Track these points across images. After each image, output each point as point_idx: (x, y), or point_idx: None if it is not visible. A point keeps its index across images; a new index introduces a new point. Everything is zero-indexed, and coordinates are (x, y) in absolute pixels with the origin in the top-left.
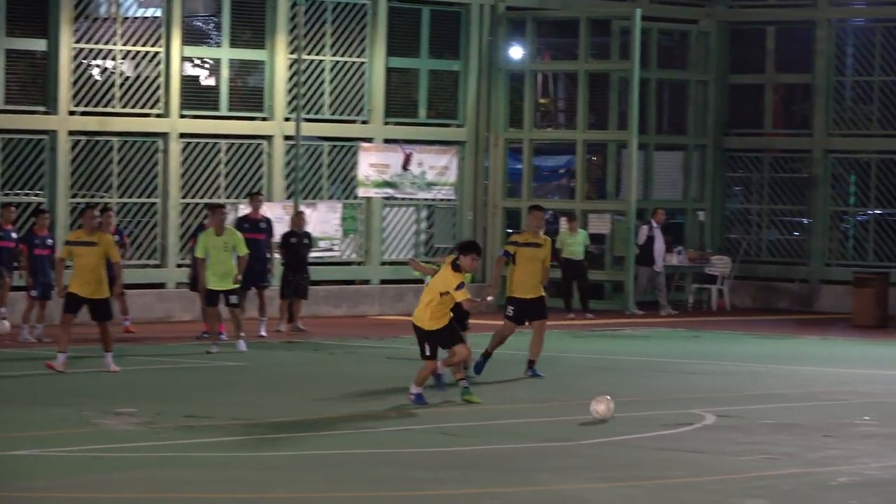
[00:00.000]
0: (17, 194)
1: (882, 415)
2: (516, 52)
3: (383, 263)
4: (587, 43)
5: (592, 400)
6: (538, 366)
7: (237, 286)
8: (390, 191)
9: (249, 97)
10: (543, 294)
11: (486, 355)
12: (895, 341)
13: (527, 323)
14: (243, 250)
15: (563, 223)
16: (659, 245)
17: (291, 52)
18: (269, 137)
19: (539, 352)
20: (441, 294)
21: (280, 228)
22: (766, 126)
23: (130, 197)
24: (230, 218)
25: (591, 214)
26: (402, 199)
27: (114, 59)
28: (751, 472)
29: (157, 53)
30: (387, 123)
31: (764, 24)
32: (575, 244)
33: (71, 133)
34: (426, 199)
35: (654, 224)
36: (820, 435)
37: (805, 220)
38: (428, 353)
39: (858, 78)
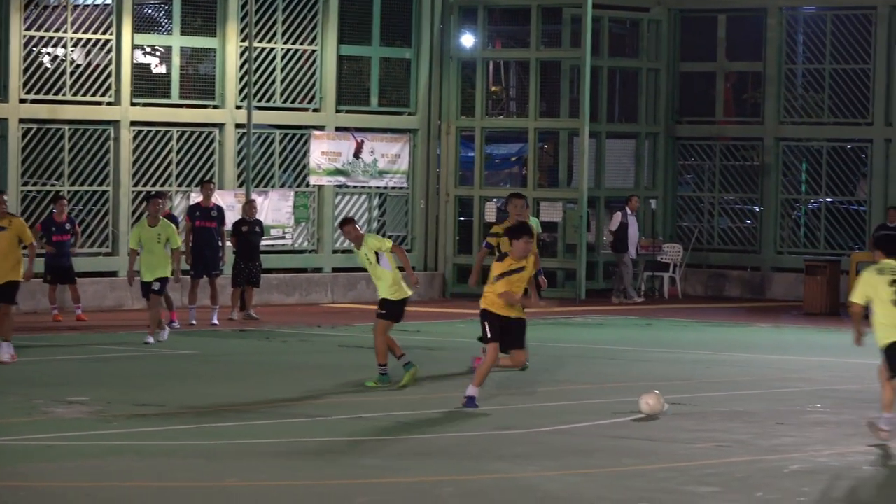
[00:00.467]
0: None
1: (833, 402)
2: (468, 39)
3: (335, 252)
4: (538, 31)
5: (642, 396)
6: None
7: (166, 276)
8: (342, 179)
9: (201, 85)
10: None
11: None
12: (846, 329)
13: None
14: (176, 242)
15: None
16: (633, 232)
17: (243, 40)
18: (220, 125)
19: None
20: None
21: (232, 216)
22: (718, 114)
23: (82, 185)
24: (182, 205)
25: (543, 202)
26: (354, 187)
27: (64, 46)
28: (703, 460)
29: (108, 41)
30: (338, 111)
31: (715, 12)
32: None
33: (22, 121)
34: (378, 187)
35: (629, 211)
36: (772, 422)
37: (756, 208)
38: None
39: (809, 66)
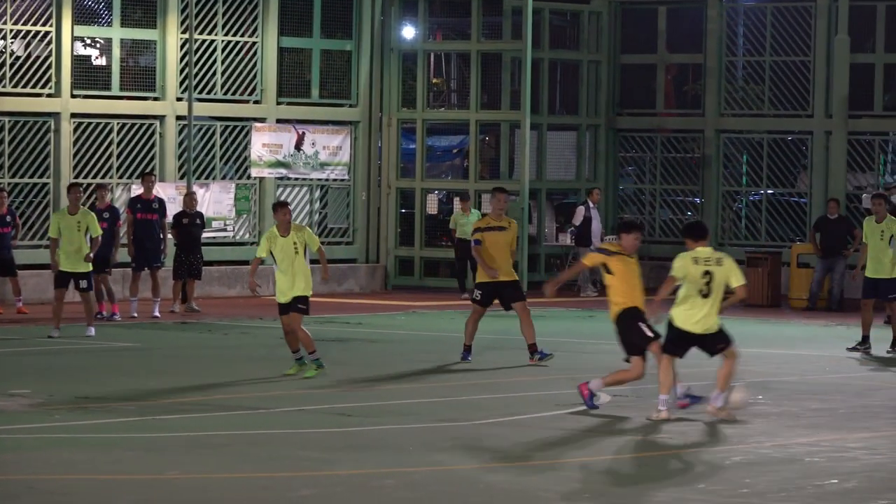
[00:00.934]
0: None
1: (775, 394)
2: (409, 32)
3: None
4: (479, 23)
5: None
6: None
7: (88, 270)
8: (283, 171)
9: (141, 77)
10: (517, 277)
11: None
12: (787, 321)
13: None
14: (97, 231)
15: (457, 203)
16: (596, 225)
17: (183, 32)
18: (161, 117)
19: (534, 333)
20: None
21: (173, 209)
22: (658, 106)
23: (22, 177)
24: (123, 197)
25: (485, 194)
26: (295, 179)
27: (4, 38)
28: (645, 452)
29: (47, 33)
30: (279, 103)
31: (655, 4)
32: (468, 224)
33: None
34: (319, 180)
35: (591, 204)
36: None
37: (697, 200)
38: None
39: (749, 58)
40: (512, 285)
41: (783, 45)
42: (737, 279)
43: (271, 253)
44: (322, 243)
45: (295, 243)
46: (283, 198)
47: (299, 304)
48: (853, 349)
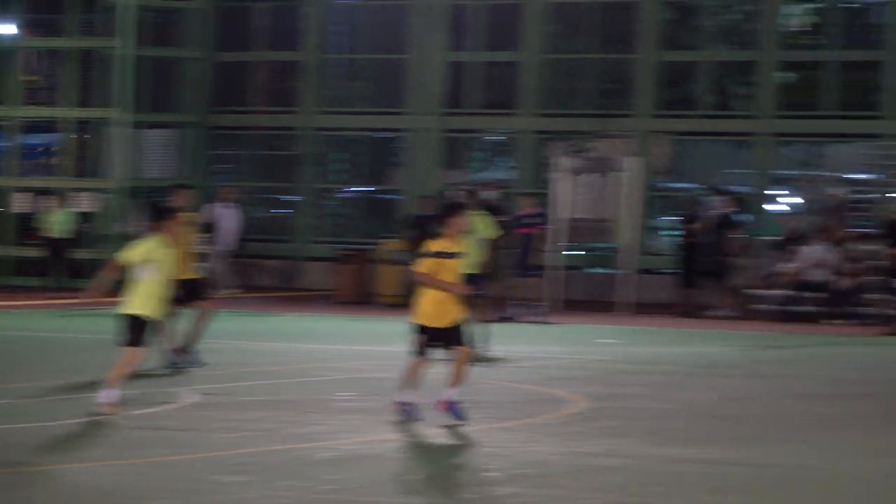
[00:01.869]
0: None
1: (362, 390)
2: (4, 28)
3: None
4: (76, 19)
5: None
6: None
7: None
8: None
9: None
10: (196, 277)
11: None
12: (375, 317)
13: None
14: None
15: (46, 202)
16: (227, 224)
17: None
18: None
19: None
20: None
21: None
22: (255, 103)
23: None
24: None
25: (77, 192)
26: None
27: None
28: (235, 449)
29: None
30: None
31: (253, 2)
32: (58, 222)
33: None
34: None
35: (223, 204)
36: (303, 411)
37: (291, 198)
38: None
39: (346, 56)
40: (193, 283)
41: (378, 44)
42: None
43: None
44: None
45: None
46: None
47: None
48: None
